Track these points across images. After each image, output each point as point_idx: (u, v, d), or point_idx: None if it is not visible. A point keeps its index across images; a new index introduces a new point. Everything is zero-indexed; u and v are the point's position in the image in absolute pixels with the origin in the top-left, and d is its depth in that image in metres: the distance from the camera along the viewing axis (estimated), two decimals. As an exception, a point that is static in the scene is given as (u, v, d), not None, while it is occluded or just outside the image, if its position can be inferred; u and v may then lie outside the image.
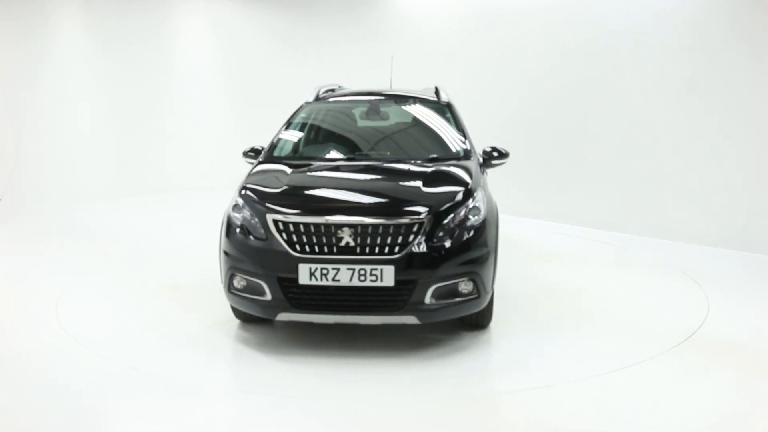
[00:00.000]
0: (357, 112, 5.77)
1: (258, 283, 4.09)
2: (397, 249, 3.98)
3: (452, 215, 4.17)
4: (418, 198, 4.23)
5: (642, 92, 7.79)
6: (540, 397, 3.67)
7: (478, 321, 4.59)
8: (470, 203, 4.30)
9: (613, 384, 3.84)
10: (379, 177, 4.70)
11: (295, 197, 4.34)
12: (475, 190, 4.42)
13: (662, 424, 3.38)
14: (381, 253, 3.98)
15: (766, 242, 6.86)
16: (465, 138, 5.28)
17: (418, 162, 4.88)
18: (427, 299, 4.01)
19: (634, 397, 3.68)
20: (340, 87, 6.47)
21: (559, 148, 8.64)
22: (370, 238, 3.99)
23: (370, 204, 4.23)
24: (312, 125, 5.64)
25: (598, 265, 6.56)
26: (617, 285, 5.85)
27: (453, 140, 5.29)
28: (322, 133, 5.64)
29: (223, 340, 4.49)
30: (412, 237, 4.01)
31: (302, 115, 5.67)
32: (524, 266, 6.48)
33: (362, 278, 3.94)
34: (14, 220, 8.54)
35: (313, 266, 3.94)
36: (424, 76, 7.18)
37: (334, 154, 5.29)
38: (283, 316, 4.11)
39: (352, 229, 3.99)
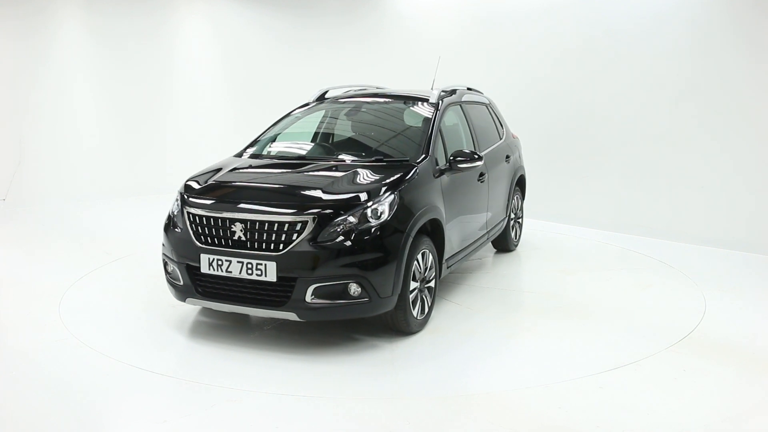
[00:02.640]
0: (341, 114, 5.78)
1: (175, 269, 4.49)
2: (281, 246, 4.10)
3: (344, 217, 4.14)
4: (312, 198, 4.26)
5: (642, 93, 7.80)
6: (538, 395, 3.70)
7: (395, 325, 4.47)
8: (372, 206, 4.21)
9: (610, 382, 3.86)
10: (296, 176, 4.70)
11: (211, 192, 4.55)
12: (386, 193, 4.31)
13: (660, 422, 3.40)
14: (267, 249, 4.12)
15: (764, 242, 6.88)
16: (432, 139, 4.98)
17: (357, 163, 4.80)
18: (308, 297, 4.07)
19: (632, 396, 3.70)
20: (377, 87, 6.46)
21: (558, 148, 8.65)
22: (258, 233, 4.17)
23: (264, 201, 4.28)
24: (293, 126, 5.70)
25: (597, 264, 6.58)
26: (615, 284, 5.88)
27: (414, 142, 5.03)
28: (292, 134, 5.67)
29: (226, 339, 4.51)
30: (295, 235, 4.09)
31: (295, 114, 5.76)
32: (524, 266, 6.51)
33: (249, 272, 4.14)
34: (16, 219, 8.57)
35: (211, 257, 4.25)
36: (423, 76, 7.18)
37: (289, 153, 5.40)
38: (190, 301, 4.47)
39: (243, 224, 4.19)
